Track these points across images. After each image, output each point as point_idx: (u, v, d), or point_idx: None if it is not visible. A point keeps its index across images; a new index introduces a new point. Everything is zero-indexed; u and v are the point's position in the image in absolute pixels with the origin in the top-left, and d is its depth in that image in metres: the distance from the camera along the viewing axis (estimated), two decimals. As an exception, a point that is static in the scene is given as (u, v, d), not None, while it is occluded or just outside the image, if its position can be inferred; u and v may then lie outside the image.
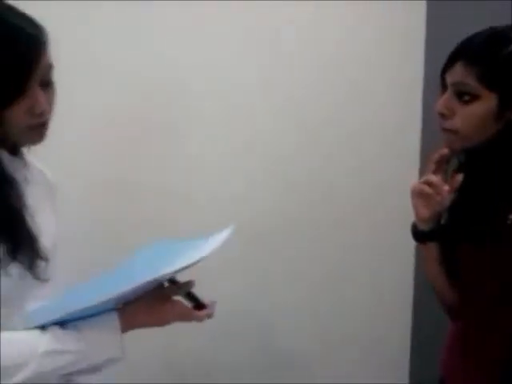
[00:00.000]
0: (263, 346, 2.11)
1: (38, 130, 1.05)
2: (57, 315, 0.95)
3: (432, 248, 1.30)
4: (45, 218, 1.09)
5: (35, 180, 1.13)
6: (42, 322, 0.96)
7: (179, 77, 1.91)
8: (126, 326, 1.01)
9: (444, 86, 1.18)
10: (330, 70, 2.05)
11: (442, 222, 1.30)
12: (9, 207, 1.01)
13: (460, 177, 1.20)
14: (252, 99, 1.99)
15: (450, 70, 1.15)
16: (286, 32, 1.99)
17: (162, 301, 1.04)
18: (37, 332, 0.96)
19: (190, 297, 1.08)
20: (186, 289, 1.07)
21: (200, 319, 1.08)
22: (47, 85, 1.05)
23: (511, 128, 1.14)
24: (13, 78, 0.98)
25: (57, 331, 0.97)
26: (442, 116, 1.17)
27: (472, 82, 1.12)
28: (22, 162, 1.11)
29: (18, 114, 1.00)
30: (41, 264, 1.03)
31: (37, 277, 1.02)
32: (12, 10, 1.05)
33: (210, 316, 1.09)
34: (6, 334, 0.94)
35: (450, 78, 1.16)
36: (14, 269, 0.99)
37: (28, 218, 1.03)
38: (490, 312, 1.21)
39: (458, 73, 1.13)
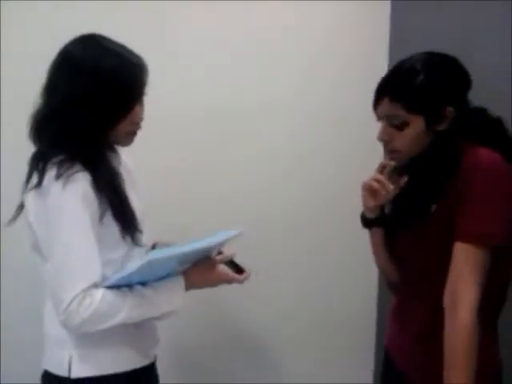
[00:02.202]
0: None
1: (132, 136, 1.41)
2: (142, 276, 1.30)
3: (377, 233, 1.55)
4: (133, 199, 1.41)
5: (124, 169, 1.46)
6: (129, 282, 1.30)
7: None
8: (188, 286, 1.38)
9: (379, 117, 1.40)
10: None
11: (386, 211, 1.54)
12: (122, 196, 1.34)
13: (405, 178, 1.44)
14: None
15: (379, 105, 1.37)
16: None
17: (212, 267, 1.44)
18: (126, 289, 1.30)
19: (233, 264, 1.50)
20: (228, 258, 1.49)
21: (241, 281, 1.48)
22: (142, 99, 1.39)
23: (439, 137, 1.36)
24: (126, 101, 1.34)
25: (140, 289, 1.32)
26: (384, 142, 1.40)
27: (400, 113, 1.34)
28: (118, 156, 1.44)
29: (124, 125, 1.36)
30: (139, 235, 1.37)
31: (139, 245, 1.37)
32: (117, 44, 1.37)
33: (247, 278, 1.49)
34: (104, 290, 1.27)
35: (381, 112, 1.38)
36: (128, 239, 1.34)
37: (130, 201, 1.37)
38: (417, 284, 1.44)
39: (386, 107, 1.36)
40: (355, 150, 2.27)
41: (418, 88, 1.31)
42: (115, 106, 1.31)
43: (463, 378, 1.22)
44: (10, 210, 1.38)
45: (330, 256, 2.34)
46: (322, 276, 2.35)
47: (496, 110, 1.83)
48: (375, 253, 1.57)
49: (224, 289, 2.04)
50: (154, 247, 1.59)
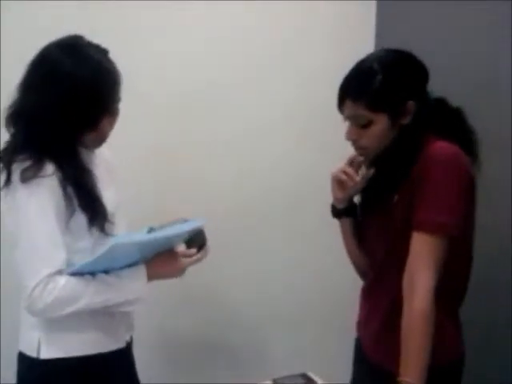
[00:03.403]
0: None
1: (99, 143, 1.47)
2: (105, 264, 1.36)
3: (347, 223, 1.59)
4: (108, 190, 1.47)
5: (100, 161, 1.51)
6: (93, 269, 1.35)
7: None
8: (150, 275, 1.42)
9: (344, 118, 1.42)
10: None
11: (356, 201, 1.57)
12: (89, 191, 1.39)
13: (372, 170, 1.48)
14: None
15: (343, 106, 1.40)
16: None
17: (173, 259, 1.48)
18: (89, 276, 1.35)
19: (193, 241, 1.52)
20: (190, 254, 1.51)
21: (200, 259, 1.52)
22: (115, 113, 1.43)
23: (404, 131, 1.39)
24: (96, 113, 1.38)
25: (103, 276, 1.37)
26: (352, 141, 1.43)
27: (363, 112, 1.37)
28: (93, 152, 1.49)
29: (91, 135, 1.40)
30: (109, 226, 1.42)
31: (107, 234, 1.41)
32: (97, 50, 1.40)
33: (206, 254, 1.53)
34: (67, 277, 1.32)
35: (346, 112, 1.41)
36: (95, 230, 1.39)
37: (99, 195, 1.41)
38: (381, 272, 1.48)
39: (349, 108, 1.39)
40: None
41: (377, 88, 1.34)
42: (84, 116, 1.36)
43: (419, 363, 1.26)
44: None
45: (317, 243, 2.37)
46: (310, 263, 2.39)
47: (496, 110, 1.88)
48: (345, 241, 1.61)
49: (209, 277, 2.12)
50: (150, 231, 1.61)
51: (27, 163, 1.31)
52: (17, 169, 1.31)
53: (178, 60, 2.18)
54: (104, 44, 1.43)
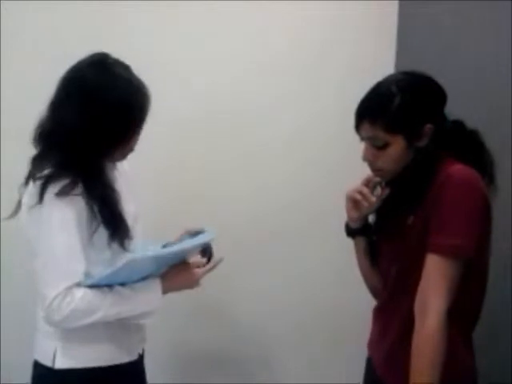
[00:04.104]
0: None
1: (124, 157, 1.51)
2: (122, 277, 1.39)
3: (361, 242, 1.60)
4: (128, 204, 1.50)
5: (120, 174, 1.55)
6: (110, 281, 1.38)
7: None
8: (165, 287, 1.45)
9: (362, 138, 1.44)
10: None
11: (370, 221, 1.58)
12: (113, 209, 1.42)
13: (387, 191, 1.49)
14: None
15: (360, 127, 1.41)
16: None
17: (187, 270, 1.51)
18: (106, 289, 1.38)
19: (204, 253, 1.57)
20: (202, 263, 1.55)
21: (212, 269, 1.54)
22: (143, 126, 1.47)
23: (421, 153, 1.40)
24: (129, 131, 1.42)
25: (119, 288, 1.39)
26: (368, 162, 1.44)
27: (380, 134, 1.38)
28: (115, 165, 1.53)
29: (120, 150, 1.45)
30: (129, 241, 1.45)
31: (127, 250, 1.44)
32: (124, 68, 1.43)
33: (217, 265, 1.56)
34: (85, 289, 1.35)
35: (363, 134, 1.42)
36: (114, 245, 1.41)
37: (121, 211, 1.44)
38: (395, 292, 1.47)
39: (367, 129, 1.40)
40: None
41: (395, 110, 1.36)
42: (118, 134, 1.39)
43: None
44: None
45: (329, 260, 2.37)
46: (322, 278, 2.39)
47: (496, 109, 1.89)
48: (358, 259, 1.62)
49: (220, 290, 2.13)
50: (165, 247, 1.66)
51: (64, 181, 1.34)
52: (52, 186, 1.34)
53: (195, 76, 2.21)
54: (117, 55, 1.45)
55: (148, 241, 1.59)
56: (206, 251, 1.58)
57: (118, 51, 1.46)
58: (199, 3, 2.18)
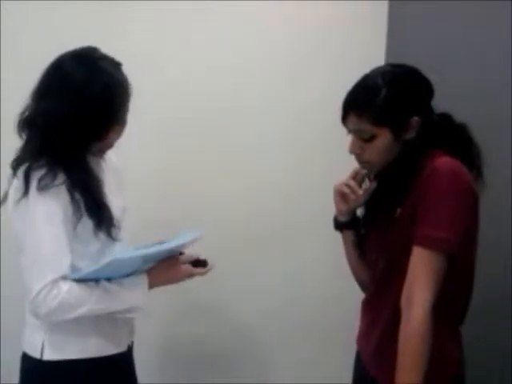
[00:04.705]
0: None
1: (104, 151, 1.51)
2: (109, 272, 1.39)
3: (349, 235, 1.61)
4: (115, 195, 1.51)
5: (108, 167, 1.55)
6: (97, 277, 1.38)
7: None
8: (151, 282, 1.46)
9: (348, 131, 1.44)
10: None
11: (359, 214, 1.59)
12: (96, 197, 1.42)
13: (374, 184, 1.50)
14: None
15: (347, 120, 1.42)
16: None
17: (174, 265, 1.52)
18: (92, 283, 1.38)
19: (197, 262, 1.57)
20: (190, 258, 1.56)
21: (202, 274, 1.56)
22: (123, 124, 1.47)
23: (408, 146, 1.40)
24: (107, 125, 1.41)
25: (105, 284, 1.39)
26: (355, 154, 1.44)
27: (367, 127, 1.38)
28: (102, 157, 1.53)
29: (98, 144, 1.44)
30: (116, 230, 1.45)
31: (115, 239, 1.45)
32: (110, 62, 1.43)
33: (209, 271, 1.57)
34: (71, 283, 1.35)
35: (350, 126, 1.42)
36: (101, 235, 1.42)
37: (106, 200, 1.44)
38: (383, 284, 1.48)
39: (353, 122, 1.40)
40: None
41: (381, 103, 1.36)
42: (95, 127, 1.40)
43: (413, 379, 1.26)
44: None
45: (319, 256, 2.37)
46: (312, 276, 2.39)
47: (496, 109, 1.90)
48: (346, 253, 1.63)
49: (211, 289, 2.13)
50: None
51: (42, 171, 1.35)
52: (33, 176, 1.35)
53: (186, 74, 2.22)
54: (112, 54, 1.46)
55: (139, 245, 1.59)
56: (199, 263, 1.59)
57: (118, 51, 1.46)
58: (195, 3, 2.18)
